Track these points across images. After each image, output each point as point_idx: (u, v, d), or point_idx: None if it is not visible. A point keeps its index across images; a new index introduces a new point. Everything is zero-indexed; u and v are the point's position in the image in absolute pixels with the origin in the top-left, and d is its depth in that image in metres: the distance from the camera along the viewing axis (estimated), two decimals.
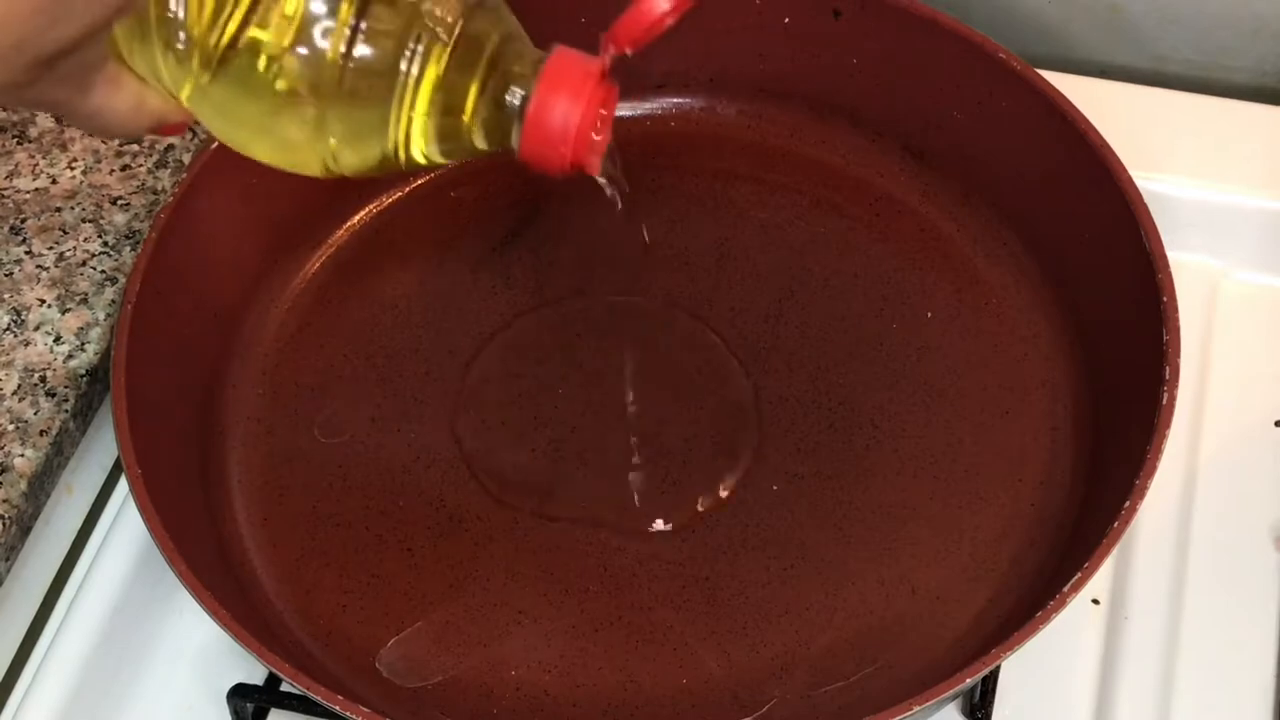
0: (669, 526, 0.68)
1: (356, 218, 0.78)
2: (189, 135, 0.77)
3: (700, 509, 0.68)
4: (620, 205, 0.60)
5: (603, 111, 0.54)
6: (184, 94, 0.53)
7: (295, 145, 0.53)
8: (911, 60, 0.75)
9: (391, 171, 0.55)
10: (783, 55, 0.77)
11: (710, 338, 0.73)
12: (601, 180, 0.58)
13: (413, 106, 0.52)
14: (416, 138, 0.53)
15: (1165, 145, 0.77)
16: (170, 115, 0.55)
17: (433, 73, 0.52)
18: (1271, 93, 0.84)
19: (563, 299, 0.75)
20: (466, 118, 0.53)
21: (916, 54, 0.74)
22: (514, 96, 0.53)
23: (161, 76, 0.53)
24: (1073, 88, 0.71)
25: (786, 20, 0.76)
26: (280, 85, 0.52)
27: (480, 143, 0.54)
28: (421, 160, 0.54)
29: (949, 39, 0.73)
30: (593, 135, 0.53)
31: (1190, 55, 0.84)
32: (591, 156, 0.54)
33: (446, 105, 0.53)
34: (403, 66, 0.52)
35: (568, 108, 0.52)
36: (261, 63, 0.51)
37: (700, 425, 0.71)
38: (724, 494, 0.69)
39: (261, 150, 0.55)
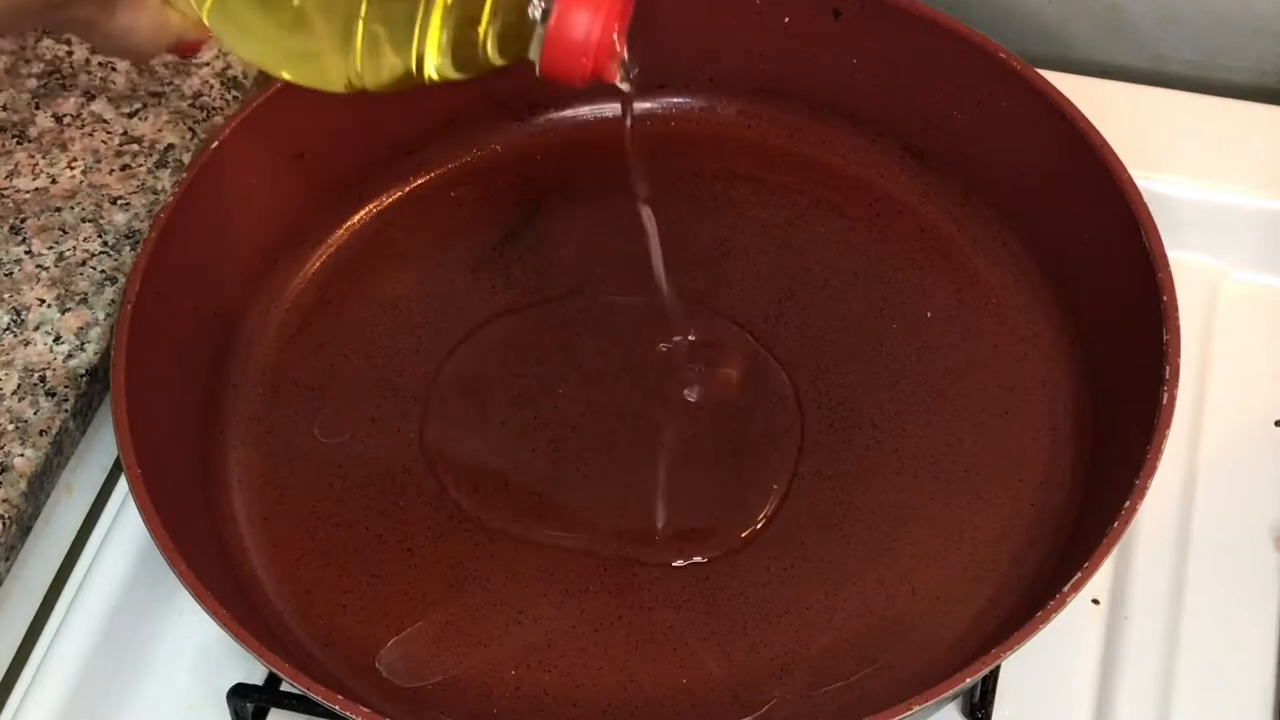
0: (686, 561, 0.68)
1: (356, 218, 0.78)
2: (189, 135, 0.77)
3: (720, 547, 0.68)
4: (629, 122, 0.62)
5: (619, 23, 0.55)
6: (205, 10, 0.53)
7: (318, 59, 0.54)
8: (911, 60, 0.75)
9: (413, 86, 0.55)
10: (783, 55, 0.77)
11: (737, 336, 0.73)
12: (621, 84, 0.59)
13: (432, 13, 0.53)
14: (432, 50, 0.53)
15: (1165, 145, 0.77)
16: (189, 33, 0.56)
17: None
18: (1271, 93, 0.84)
19: (563, 298, 0.75)
20: (483, 28, 0.54)
21: (916, 54, 0.74)
22: (535, 9, 0.54)
23: None
24: (1073, 88, 0.71)
25: (786, 20, 0.76)
26: None
27: (496, 56, 0.55)
28: (437, 77, 0.55)
29: (949, 39, 0.73)
30: (613, 42, 0.54)
31: (1190, 55, 0.84)
32: (611, 66, 0.55)
33: (464, 15, 0.53)
34: None
35: (590, 18, 0.54)
36: None
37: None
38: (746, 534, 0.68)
39: (285, 65, 0.55)
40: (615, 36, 0.55)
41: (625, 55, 0.57)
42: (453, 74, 0.55)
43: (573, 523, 0.68)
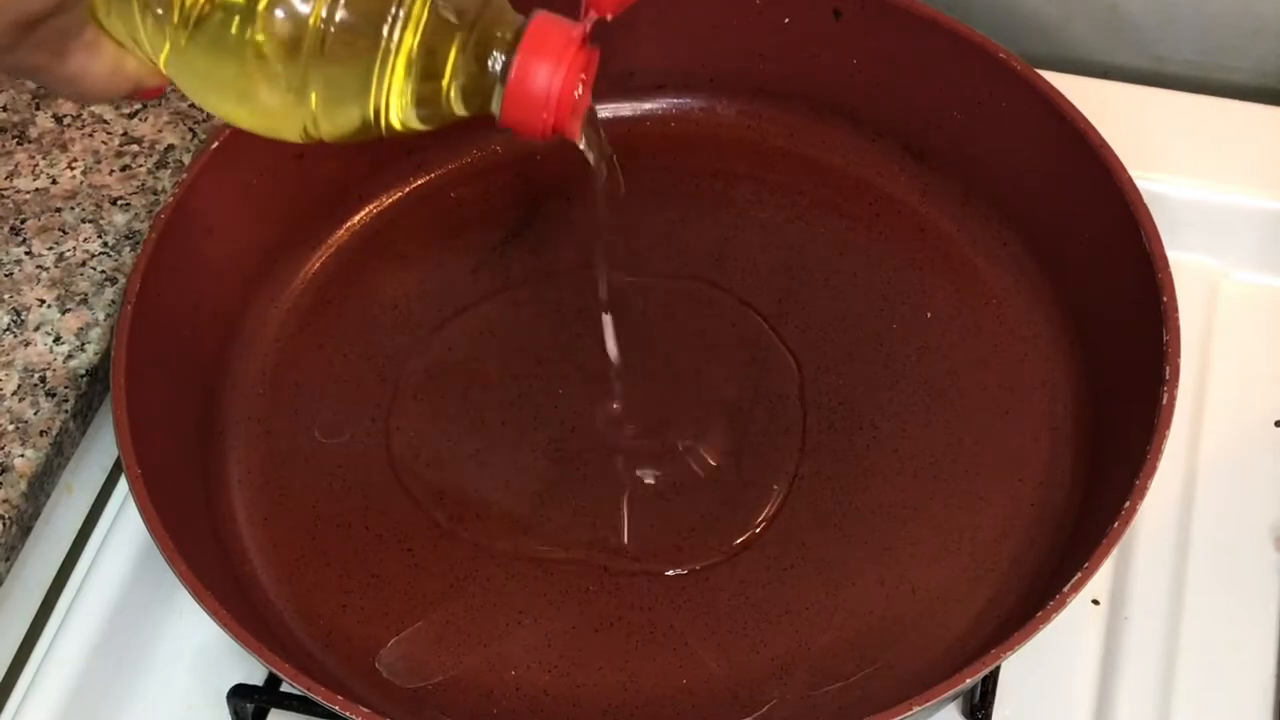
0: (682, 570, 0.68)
1: (356, 218, 0.78)
2: (189, 135, 0.77)
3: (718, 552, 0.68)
4: (604, 173, 0.60)
5: (583, 76, 0.54)
6: (162, 58, 0.53)
7: (274, 109, 0.53)
8: (911, 60, 0.75)
9: (370, 138, 0.54)
10: (783, 55, 0.77)
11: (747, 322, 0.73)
12: (582, 145, 0.58)
13: (393, 70, 0.52)
14: (395, 103, 0.53)
15: (1165, 145, 0.77)
16: (147, 79, 0.54)
17: (411, 36, 0.52)
18: (1271, 93, 0.84)
19: (562, 298, 0.75)
20: (445, 82, 0.53)
21: (916, 54, 0.74)
22: (495, 61, 0.53)
23: (140, 40, 0.52)
24: (1073, 88, 0.71)
25: (786, 20, 0.76)
26: (259, 48, 0.51)
27: (459, 108, 0.54)
28: (399, 128, 0.54)
29: (949, 39, 0.73)
30: (574, 98, 0.53)
31: (1190, 55, 0.84)
32: (573, 121, 0.54)
33: (426, 69, 0.53)
34: (384, 30, 0.52)
35: (550, 72, 0.53)
36: (240, 24, 0.51)
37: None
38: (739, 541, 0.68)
39: (240, 115, 0.54)
40: (578, 90, 0.54)
41: (589, 109, 0.56)
42: (416, 126, 0.54)
43: (567, 537, 0.68)
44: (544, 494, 0.69)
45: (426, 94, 0.53)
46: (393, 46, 0.52)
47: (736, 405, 0.71)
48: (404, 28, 0.52)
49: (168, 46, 0.52)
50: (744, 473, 0.70)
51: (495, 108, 0.54)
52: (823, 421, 0.71)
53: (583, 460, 0.70)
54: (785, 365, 0.72)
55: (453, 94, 0.54)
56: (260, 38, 0.51)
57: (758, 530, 0.68)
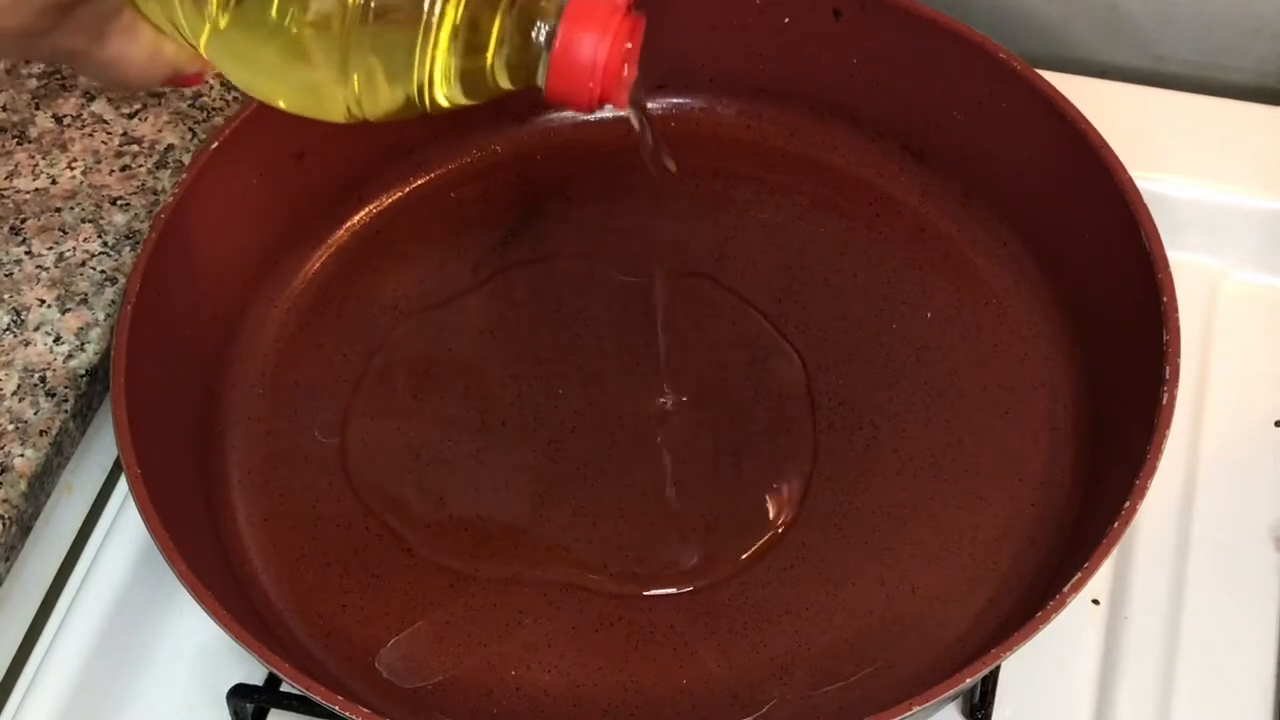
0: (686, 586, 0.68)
1: (356, 218, 0.78)
2: (189, 135, 0.77)
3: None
4: (650, 140, 0.60)
5: (629, 45, 0.53)
6: (201, 41, 0.52)
7: (317, 89, 0.52)
8: (911, 60, 0.75)
9: (415, 115, 0.54)
10: (783, 55, 0.77)
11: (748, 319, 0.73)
12: (629, 113, 0.57)
13: (436, 44, 0.51)
14: (440, 78, 0.52)
15: (1165, 145, 0.77)
16: (186, 65, 0.54)
17: (454, 9, 0.51)
18: (1271, 93, 0.84)
19: (562, 298, 0.75)
20: (490, 54, 0.52)
21: (916, 54, 0.74)
22: (539, 32, 0.52)
23: (179, 23, 0.52)
24: (1073, 88, 0.71)
25: (786, 20, 0.76)
26: (300, 27, 0.51)
27: (504, 81, 0.53)
28: (445, 103, 0.53)
29: (949, 39, 0.73)
30: (621, 67, 0.53)
31: (1190, 55, 0.84)
32: (620, 91, 0.53)
33: (470, 42, 0.52)
34: (425, 4, 0.51)
35: (596, 41, 0.52)
36: (280, 3, 0.51)
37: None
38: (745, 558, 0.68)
39: (283, 96, 0.54)
40: (624, 59, 0.53)
41: (635, 79, 0.55)
42: (462, 100, 0.53)
43: (567, 537, 0.68)
44: (544, 494, 0.69)
45: (471, 68, 0.52)
46: (434, 20, 0.51)
47: (738, 405, 0.71)
48: (445, 1, 0.51)
49: (207, 29, 0.51)
50: (745, 485, 0.70)
51: (540, 79, 0.53)
52: (823, 421, 0.71)
53: (583, 460, 0.70)
54: (791, 364, 0.72)
55: (498, 67, 0.53)
56: (302, 16, 0.51)
57: (768, 540, 0.68)
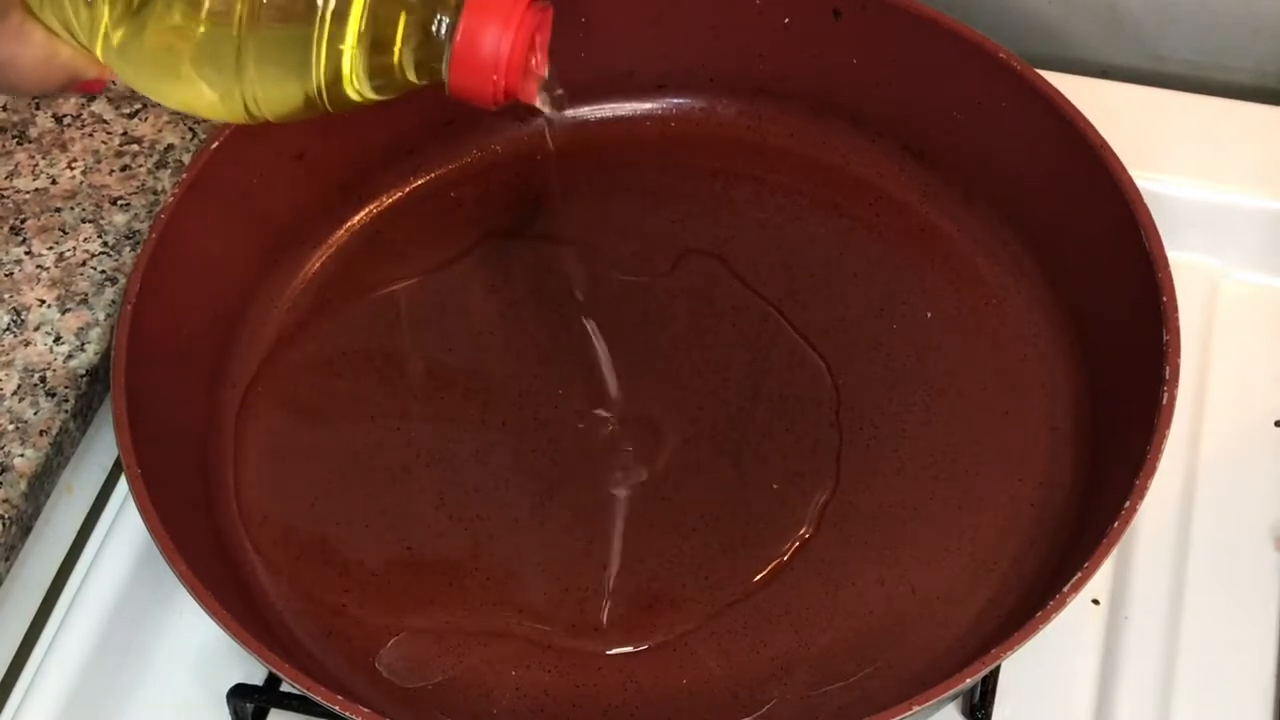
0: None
1: (356, 218, 0.78)
2: (189, 135, 0.77)
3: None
4: (550, 143, 0.58)
5: (537, 36, 0.52)
6: (97, 45, 0.51)
7: (214, 90, 0.51)
8: (911, 60, 0.75)
9: (316, 114, 0.52)
10: (783, 55, 0.77)
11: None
12: (541, 105, 0.55)
13: (341, 40, 0.50)
14: (348, 73, 0.51)
15: (1165, 145, 0.77)
16: (84, 70, 0.53)
17: (359, 3, 0.50)
18: (1271, 93, 0.84)
19: (563, 298, 0.75)
20: (397, 49, 0.51)
21: (916, 54, 0.74)
22: (440, 25, 0.51)
23: (74, 27, 0.51)
24: (1073, 88, 0.71)
25: (786, 20, 0.76)
26: (195, 25, 0.50)
27: (414, 76, 0.52)
28: (355, 98, 0.52)
29: (949, 39, 0.73)
30: (529, 62, 0.51)
31: (1190, 55, 0.84)
32: (527, 84, 0.52)
33: (375, 37, 0.51)
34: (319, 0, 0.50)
35: (498, 34, 0.50)
36: (171, 2, 0.50)
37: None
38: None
39: (182, 98, 0.53)
40: (532, 52, 0.52)
41: (545, 72, 0.53)
42: (373, 96, 0.52)
43: (567, 537, 0.68)
44: (544, 495, 0.69)
45: (380, 64, 0.51)
46: (330, 15, 0.50)
47: (738, 405, 0.71)
48: None
49: (102, 33, 0.51)
50: (745, 474, 0.70)
51: (445, 73, 0.51)
52: (823, 421, 0.71)
53: (583, 460, 0.70)
54: (806, 363, 0.72)
55: (405, 62, 0.52)
56: (196, 15, 0.50)
57: (784, 557, 0.67)
